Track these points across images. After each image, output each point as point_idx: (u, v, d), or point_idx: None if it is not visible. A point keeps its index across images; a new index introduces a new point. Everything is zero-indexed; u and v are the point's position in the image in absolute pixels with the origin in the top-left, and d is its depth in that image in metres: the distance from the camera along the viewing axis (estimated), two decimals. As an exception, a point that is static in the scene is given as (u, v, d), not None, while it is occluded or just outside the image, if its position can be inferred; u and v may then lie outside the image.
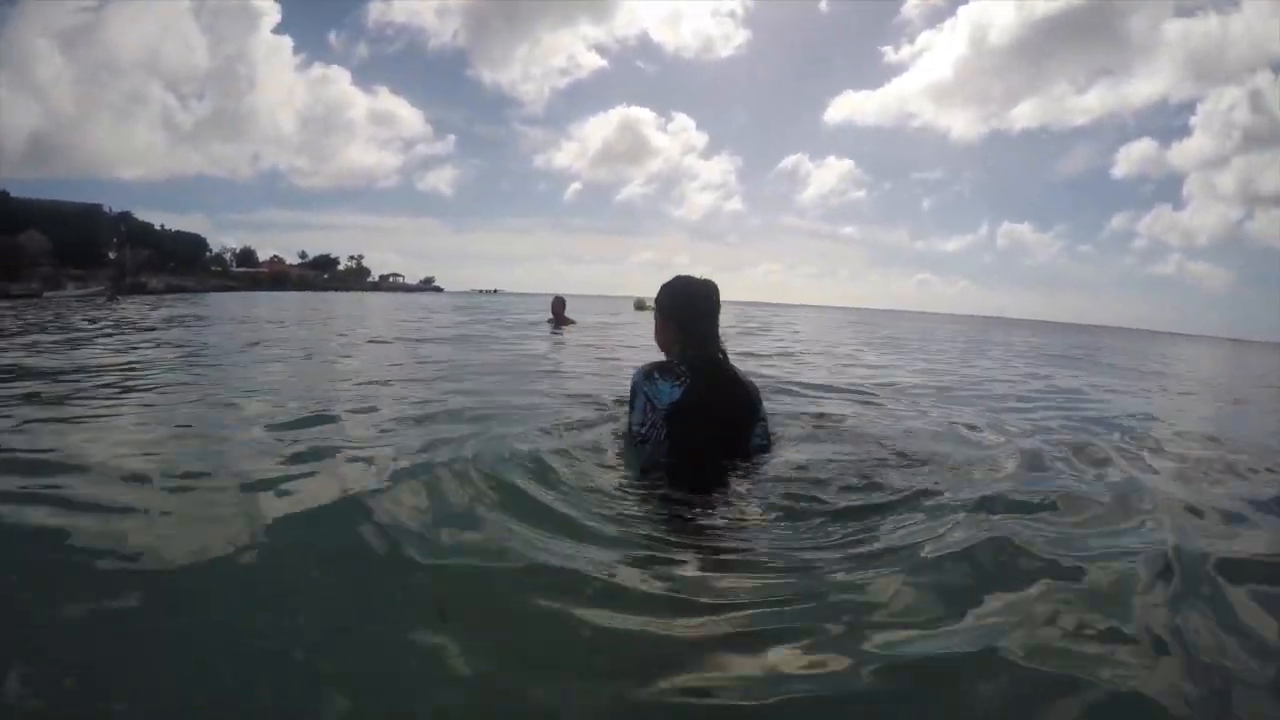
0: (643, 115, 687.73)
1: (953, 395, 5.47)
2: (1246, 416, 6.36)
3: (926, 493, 2.35)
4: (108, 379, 4.74)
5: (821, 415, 3.73)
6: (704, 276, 2.72)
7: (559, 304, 13.13)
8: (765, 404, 2.79)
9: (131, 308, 20.03)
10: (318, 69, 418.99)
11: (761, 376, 4.51)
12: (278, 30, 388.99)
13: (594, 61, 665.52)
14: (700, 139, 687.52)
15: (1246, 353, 32.04)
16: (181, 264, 64.54)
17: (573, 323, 12.96)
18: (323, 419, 3.40)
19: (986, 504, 2.26)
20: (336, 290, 70.45)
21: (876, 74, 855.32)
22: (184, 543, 1.84)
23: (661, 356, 2.73)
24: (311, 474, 2.42)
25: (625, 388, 2.83)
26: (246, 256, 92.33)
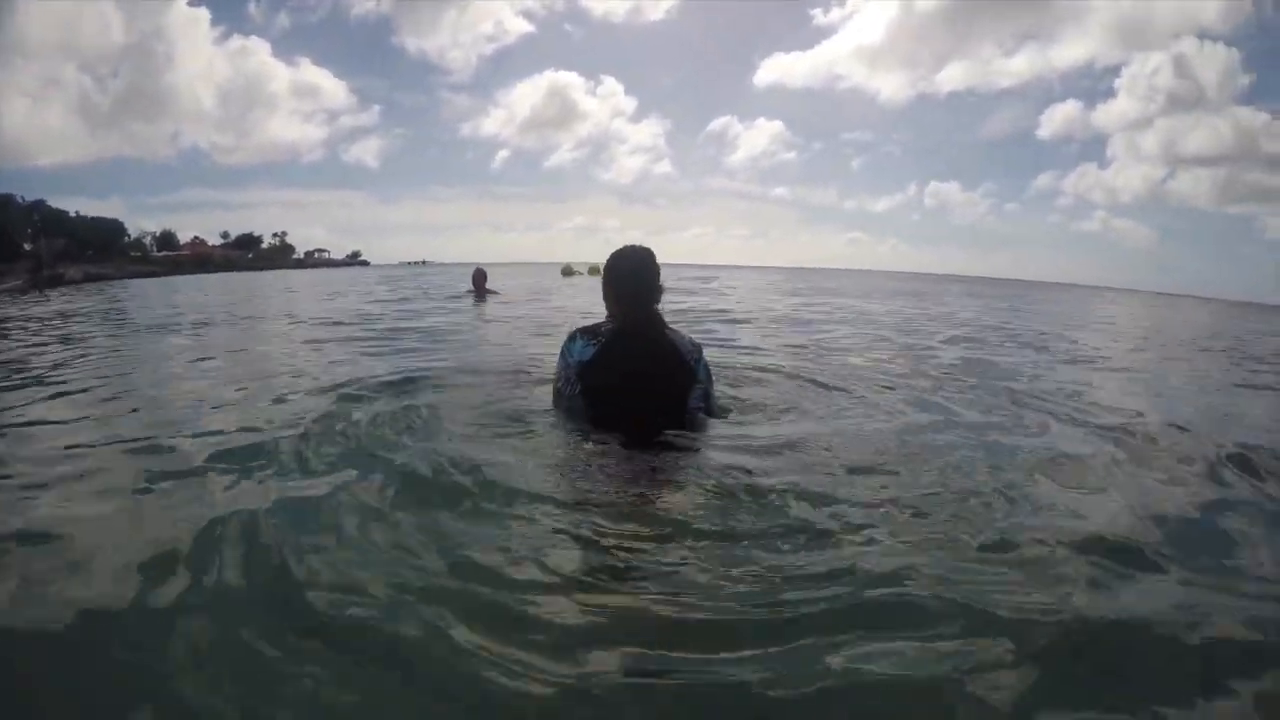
0: (571, 80, 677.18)
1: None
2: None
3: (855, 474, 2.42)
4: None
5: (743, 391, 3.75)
6: (637, 242, 2.84)
7: (480, 276, 13.56)
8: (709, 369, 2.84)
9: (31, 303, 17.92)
10: (236, 41, 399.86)
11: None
12: (193, 2, 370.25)
13: (521, 26, 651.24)
14: (629, 103, 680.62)
15: (1173, 306, 33.41)
16: (99, 251, 62.34)
17: (495, 293, 13.41)
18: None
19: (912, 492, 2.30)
20: (261, 270, 68.84)
21: (806, 36, 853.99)
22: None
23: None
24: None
25: (543, 358, 2.97)
26: (167, 239, 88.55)
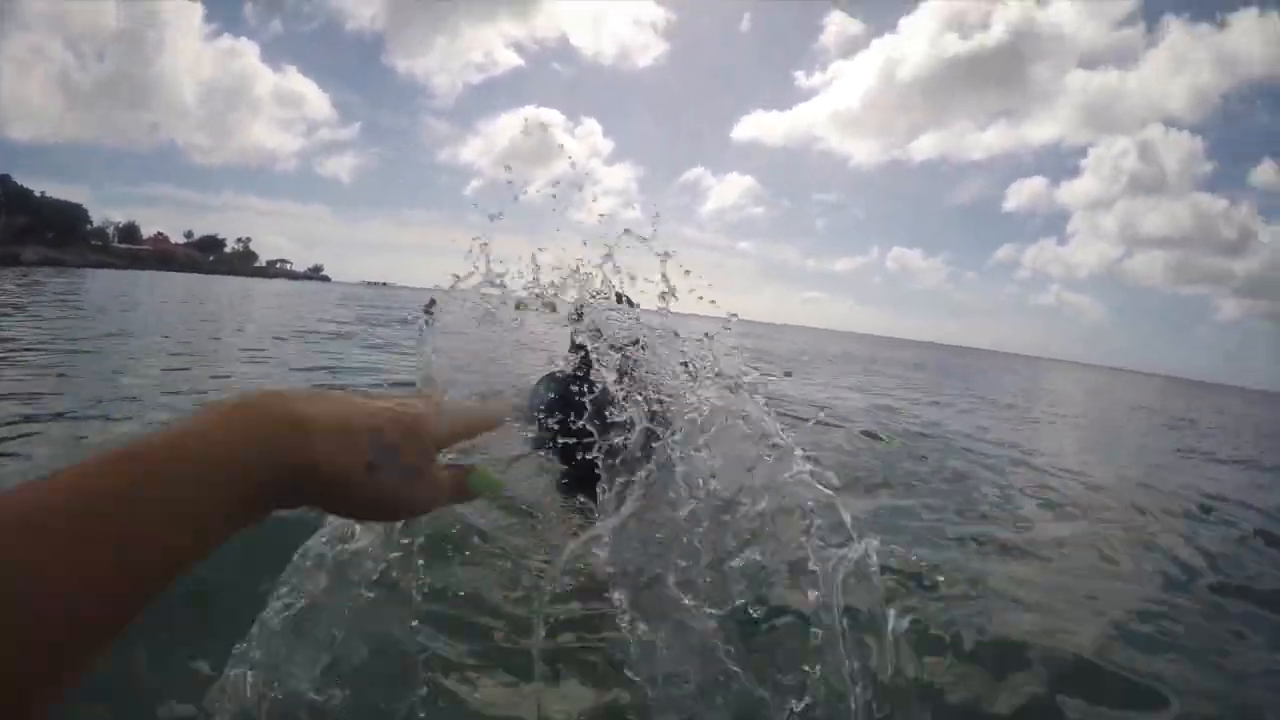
0: (552, 117, 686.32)
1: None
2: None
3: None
4: None
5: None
6: None
7: (432, 304, 13.30)
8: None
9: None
10: (227, 40, 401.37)
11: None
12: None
13: (511, 59, 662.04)
14: (606, 145, 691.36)
15: (1129, 382, 35.28)
16: (60, 235, 61.39)
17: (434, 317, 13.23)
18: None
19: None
20: (223, 274, 68.20)
21: (787, 97, 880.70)
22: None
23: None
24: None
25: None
26: (130, 232, 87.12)
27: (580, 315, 2.59)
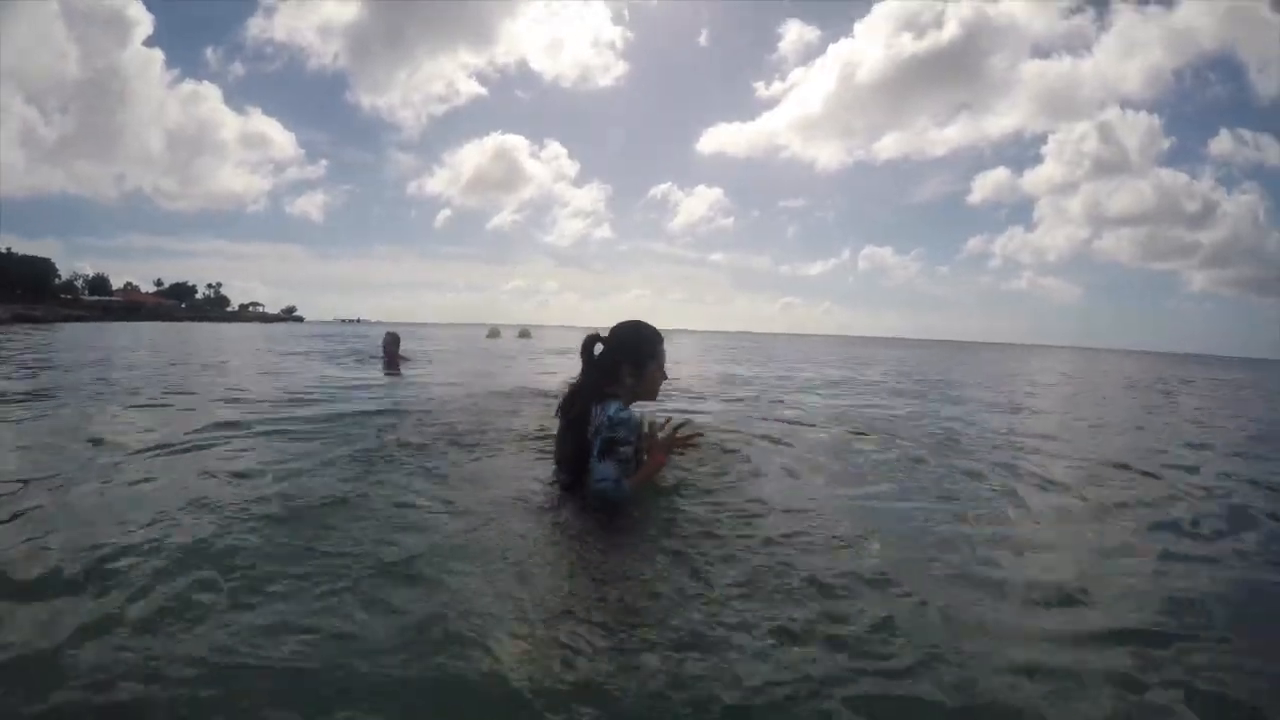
0: (517, 142, 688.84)
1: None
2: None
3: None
4: None
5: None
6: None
7: (392, 341, 12.04)
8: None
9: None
10: (189, 85, 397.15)
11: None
12: (149, 43, 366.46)
13: (473, 89, 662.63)
14: (572, 167, 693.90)
15: (1112, 361, 35.41)
16: (28, 291, 61.24)
17: (407, 360, 12.06)
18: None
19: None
20: (193, 320, 68.24)
21: (749, 107, 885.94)
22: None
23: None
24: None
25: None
26: (99, 284, 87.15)
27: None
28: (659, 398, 3.36)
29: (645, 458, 2.98)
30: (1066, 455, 4.94)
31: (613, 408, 2.87)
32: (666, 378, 3.19)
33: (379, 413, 5.44)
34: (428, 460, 3.67)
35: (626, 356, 3.07)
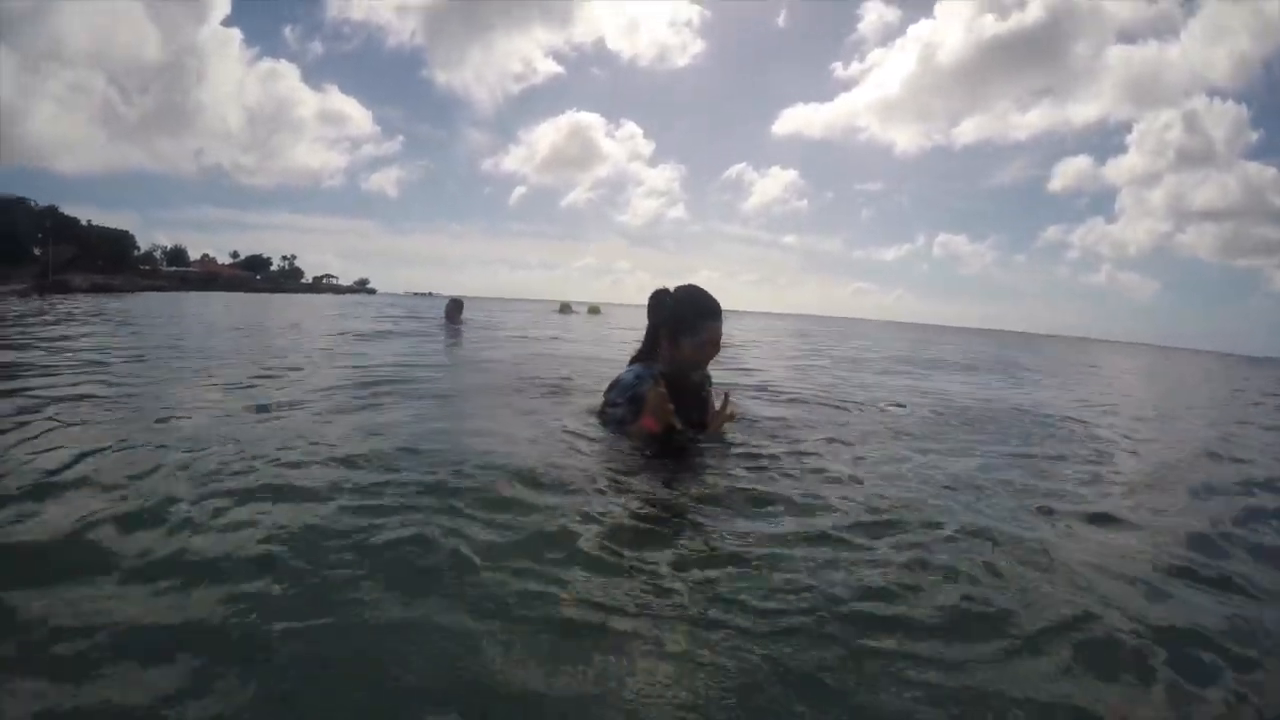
0: (593, 121, 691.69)
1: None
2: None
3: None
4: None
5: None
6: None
7: (455, 306, 13.44)
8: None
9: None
10: (267, 64, 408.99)
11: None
12: (227, 23, 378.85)
13: (550, 68, 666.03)
14: (647, 146, 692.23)
15: (1200, 362, 32.35)
16: (109, 262, 63.09)
17: (467, 322, 13.40)
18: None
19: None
20: (269, 291, 69.53)
21: (827, 88, 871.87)
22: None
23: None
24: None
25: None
26: (177, 255, 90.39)
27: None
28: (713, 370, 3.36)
29: (642, 422, 2.90)
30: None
31: (628, 372, 3.14)
32: (708, 355, 3.10)
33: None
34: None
35: (664, 323, 3.09)
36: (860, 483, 2.67)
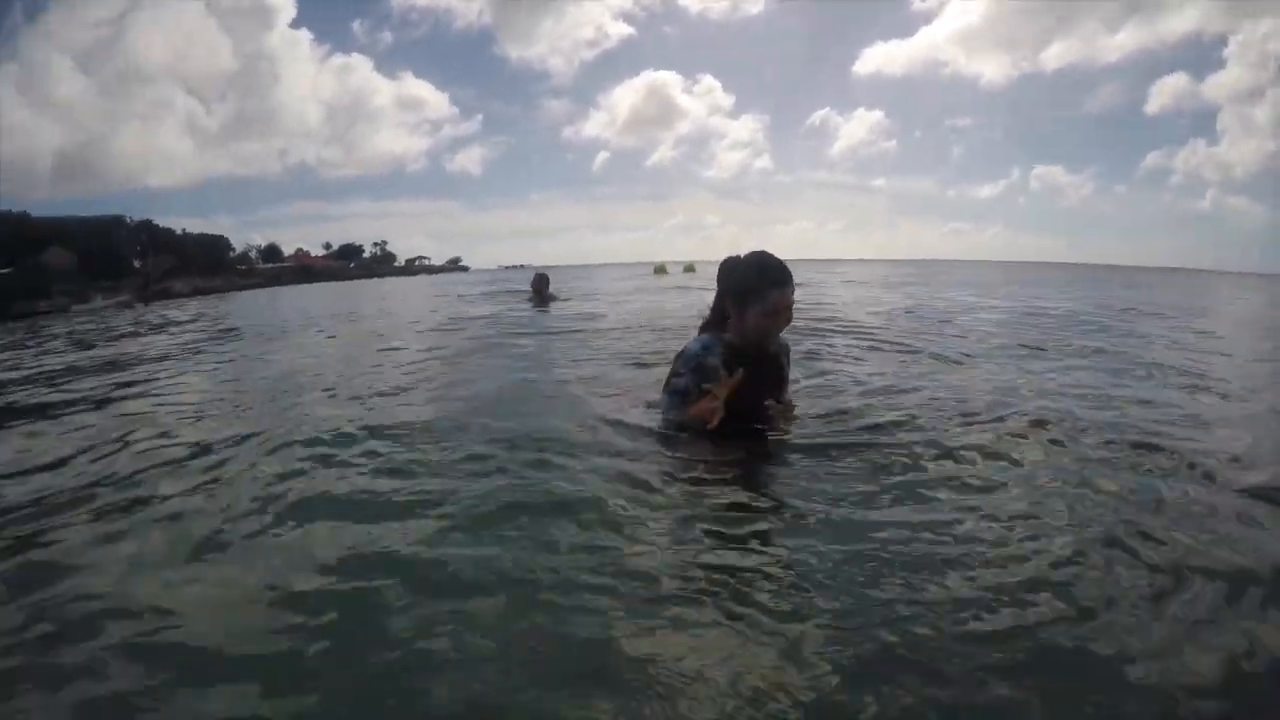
0: (670, 79, 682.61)
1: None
2: None
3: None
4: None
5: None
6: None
7: (541, 281, 12.34)
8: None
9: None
10: (339, 59, 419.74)
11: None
12: (294, 24, 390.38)
13: (621, 30, 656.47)
14: (727, 99, 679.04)
15: None
16: (206, 266, 65.18)
17: (556, 299, 12.16)
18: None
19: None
20: (364, 278, 70.92)
21: (906, 23, 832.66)
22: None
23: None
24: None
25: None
26: (272, 252, 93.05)
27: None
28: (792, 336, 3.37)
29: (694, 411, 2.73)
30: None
31: (695, 341, 2.93)
32: (779, 324, 2.83)
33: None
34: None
35: (730, 291, 2.87)
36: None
